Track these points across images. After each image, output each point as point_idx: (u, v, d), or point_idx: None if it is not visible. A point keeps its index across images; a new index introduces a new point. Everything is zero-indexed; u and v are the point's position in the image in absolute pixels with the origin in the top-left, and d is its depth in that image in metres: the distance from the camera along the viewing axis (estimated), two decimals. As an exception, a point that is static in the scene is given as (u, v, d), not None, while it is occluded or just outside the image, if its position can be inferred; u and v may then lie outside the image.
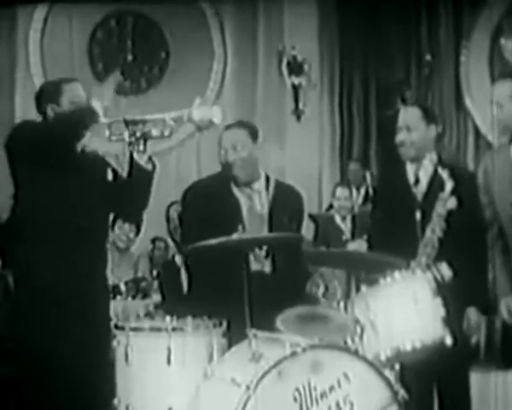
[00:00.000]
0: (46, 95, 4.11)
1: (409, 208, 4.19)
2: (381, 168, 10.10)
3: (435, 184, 4.16)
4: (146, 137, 3.96)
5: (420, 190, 4.24)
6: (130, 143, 3.96)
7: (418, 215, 4.15)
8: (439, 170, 4.10)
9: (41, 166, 3.88)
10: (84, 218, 3.96)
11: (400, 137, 4.28)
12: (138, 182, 4.05)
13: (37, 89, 4.29)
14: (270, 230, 4.25)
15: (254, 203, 4.31)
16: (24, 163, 3.94)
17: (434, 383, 4.21)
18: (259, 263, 4.18)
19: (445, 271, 3.92)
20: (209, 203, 4.20)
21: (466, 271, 4.00)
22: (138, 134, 3.93)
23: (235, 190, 4.29)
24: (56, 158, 3.89)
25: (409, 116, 4.32)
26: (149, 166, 4.04)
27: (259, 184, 4.34)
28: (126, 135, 3.93)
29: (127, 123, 3.91)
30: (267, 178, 4.39)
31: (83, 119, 3.87)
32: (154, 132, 3.94)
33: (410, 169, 4.30)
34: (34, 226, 3.93)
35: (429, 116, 4.33)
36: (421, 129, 4.27)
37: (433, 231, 4.04)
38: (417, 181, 4.26)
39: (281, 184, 4.47)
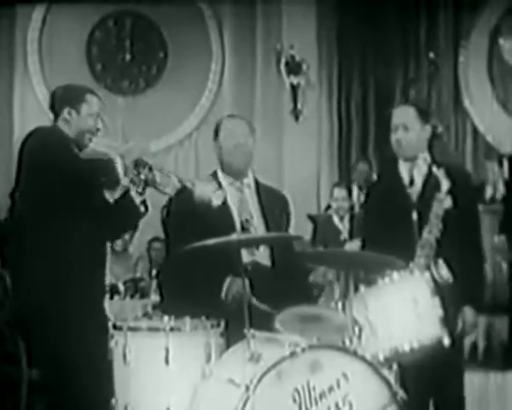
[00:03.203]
0: (67, 97, 4.13)
1: (404, 209, 4.16)
2: (376, 167, 10.11)
3: (430, 183, 4.13)
4: (148, 183, 4.00)
5: (415, 191, 4.20)
6: (131, 180, 3.99)
7: (414, 216, 4.12)
8: (434, 170, 4.08)
9: (45, 174, 3.89)
10: (86, 221, 3.98)
11: (396, 135, 4.25)
12: (127, 212, 4.08)
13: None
14: (265, 219, 4.26)
15: (245, 195, 4.32)
16: (30, 170, 3.96)
17: (431, 383, 4.19)
18: (250, 254, 4.18)
19: (444, 271, 3.90)
20: (194, 211, 4.21)
21: (462, 270, 3.99)
22: (142, 177, 3.98)
23: (225, 186, 4.30)
24: (59, 168, 3.91)
25: (405, 115, 4.30)
26: (142, 208, 4.08)
27: (248, 179, 4.37)
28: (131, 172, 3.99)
29: (136, 163, 3.96)
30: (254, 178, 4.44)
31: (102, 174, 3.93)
32: (158, 183, 3.98)
33: (403, 169, 4.27)
34: (34, 230, 3.94)
35: (424, 116, 4.31)
36: (417, 129, 4.25)
37: (431, 231, 4.01)
38: (412, 181, 4.23)
39: (266, 184, 4.50)
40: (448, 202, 4.03)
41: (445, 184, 4.01)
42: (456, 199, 4.05)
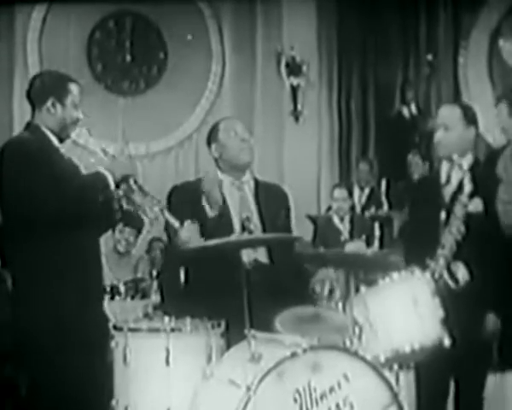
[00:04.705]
0: (52, 87, 4.05)
1: (436, 208, 4.11)
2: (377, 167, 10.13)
3: (463, 185, 4.04)
4: (127, 197, 4.02)
5: (449, 191, 4.18)
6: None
7: (443, 215, 4.09)
8: (461, 172, 4.05)
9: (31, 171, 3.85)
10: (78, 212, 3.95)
11: (438, 136, 4.22)
12: (106, 215, 4.07)
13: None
14: (262, 220, 4.26)
15: (245, 193, 4.32)
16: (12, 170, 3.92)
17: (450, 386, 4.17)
18: (251, 251, 4.17)
19: (462, 273, 3.87)
20: (197, 200, 4.22)
21: (484, 274, 3.94)
22: (121, 192, 4.00)
23: (224, 186, 4.30)
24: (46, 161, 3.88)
25: (446, 115, 4.27)
26: (118, 214, 4.09)
27: (247, 177, 4.36)
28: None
29: (124, 178, 3.98)
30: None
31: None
32: (137, 204, 3.99)
33: (443, 168, 4.26)
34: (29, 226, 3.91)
35: (469, 116, 4.28)
36: (459, 129, 4.21)
37: (451, 232, 3.98)
38: (448, 181, 4.21)
39: (264, 181, 4.49)
40: (477, 206, 3.98)
41: (468, 188, 3.97)
42: (486, 204, 4.01)
